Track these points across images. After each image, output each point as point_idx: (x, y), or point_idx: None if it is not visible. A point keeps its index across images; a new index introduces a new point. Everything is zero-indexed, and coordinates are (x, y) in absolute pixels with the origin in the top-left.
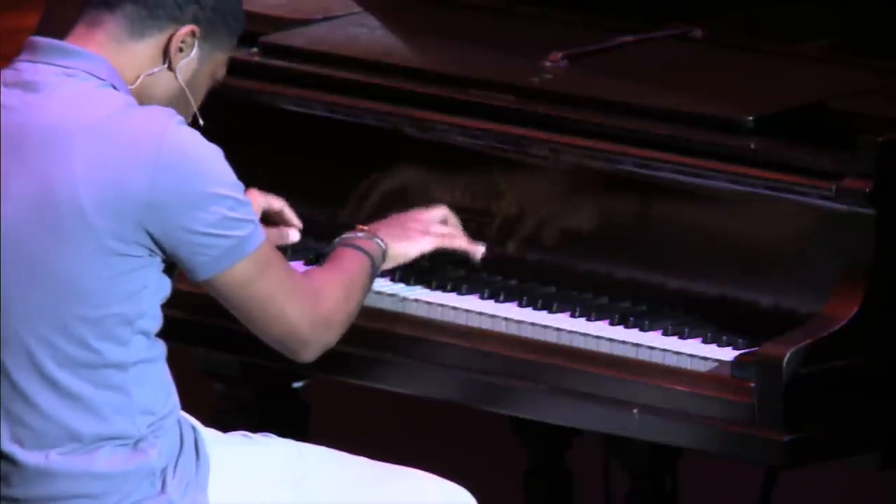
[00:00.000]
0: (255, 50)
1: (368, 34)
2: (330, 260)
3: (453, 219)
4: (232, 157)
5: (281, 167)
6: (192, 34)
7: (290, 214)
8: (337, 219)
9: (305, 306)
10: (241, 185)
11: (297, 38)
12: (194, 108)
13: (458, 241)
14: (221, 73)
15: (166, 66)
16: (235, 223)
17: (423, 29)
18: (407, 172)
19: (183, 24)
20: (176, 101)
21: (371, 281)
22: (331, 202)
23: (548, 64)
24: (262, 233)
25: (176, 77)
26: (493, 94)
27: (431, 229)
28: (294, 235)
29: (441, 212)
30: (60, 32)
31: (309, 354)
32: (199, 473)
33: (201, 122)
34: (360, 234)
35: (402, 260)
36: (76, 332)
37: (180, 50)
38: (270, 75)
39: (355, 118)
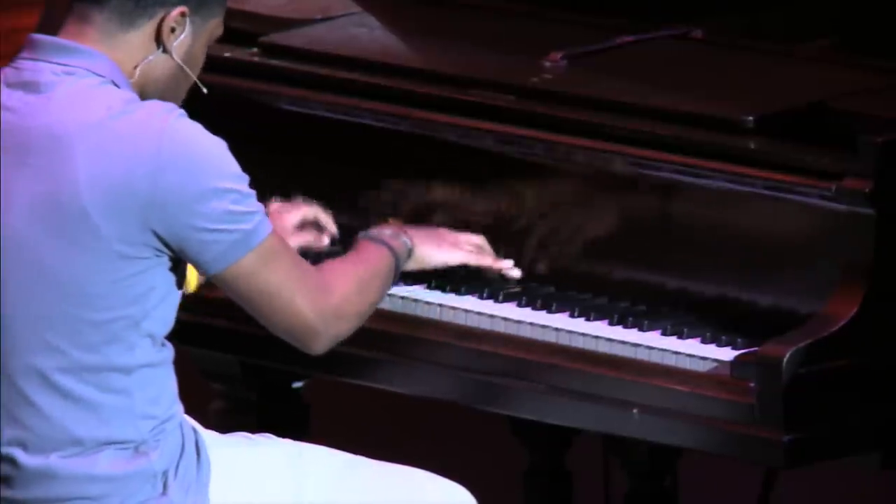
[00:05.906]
0: (254, 50)
1: (368, 34)
2: (350, 252)
3: (488, 247)
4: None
5: (280, 167)
6: (183, 14)
7: (325, 220)
8: (337, 219)
9: (314, 297)
10: (245, 177)
11: (296, 38)
12: (194, 79)
13: (486, 259)
14: (219, 31)
15: (161, 49)
16: (240, 216)
17: (423, 29)
18: (406, 172)
19: (171, 6)
20: (176, 79)
21: (393, 277)
22: (330, 202)
23: (547, 64)
24: (268, 223)
25: (172, 57)
26: (492, 94)
27: (463, 245)
28: (326, 240)
29: (477, 238)
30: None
31: (320, 346)
32: (200, 475)
33: (204, 90)
34: (386, 231)
35: (427, 263)
36: (82, 335)
37: (172, 31)
38: (270, 75)
39: (355, 118)
